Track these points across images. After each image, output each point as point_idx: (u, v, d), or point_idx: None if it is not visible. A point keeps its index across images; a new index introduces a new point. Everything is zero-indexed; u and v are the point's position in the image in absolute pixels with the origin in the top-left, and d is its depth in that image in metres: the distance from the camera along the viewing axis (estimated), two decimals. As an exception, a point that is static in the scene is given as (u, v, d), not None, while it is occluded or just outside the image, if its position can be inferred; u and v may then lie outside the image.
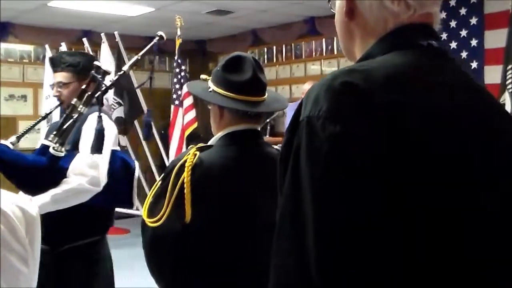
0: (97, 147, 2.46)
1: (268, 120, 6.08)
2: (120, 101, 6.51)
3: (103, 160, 2.64)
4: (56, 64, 2.93)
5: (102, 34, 6.84)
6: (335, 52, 8.28)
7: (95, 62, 2.64)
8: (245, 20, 8.44)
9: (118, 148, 2.90)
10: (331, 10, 1.21)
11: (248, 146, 2.02)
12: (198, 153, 1.91)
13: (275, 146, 2.12)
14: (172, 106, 6.47)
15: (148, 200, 1.95)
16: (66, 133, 2.45)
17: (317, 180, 0.93)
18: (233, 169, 1.94)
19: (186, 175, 1.85)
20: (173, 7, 7.20)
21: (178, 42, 6.51)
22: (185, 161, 1.88)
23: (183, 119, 6.37)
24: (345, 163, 0.91)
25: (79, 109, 2.52)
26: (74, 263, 2.77)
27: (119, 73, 2.68)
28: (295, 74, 9.00)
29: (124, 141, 6.62)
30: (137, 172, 2.93)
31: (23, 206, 1.78)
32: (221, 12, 7.84)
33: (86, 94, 2.53)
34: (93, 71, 2.56)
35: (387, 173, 0.91)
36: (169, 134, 6.45)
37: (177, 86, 6.51)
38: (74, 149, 2.67)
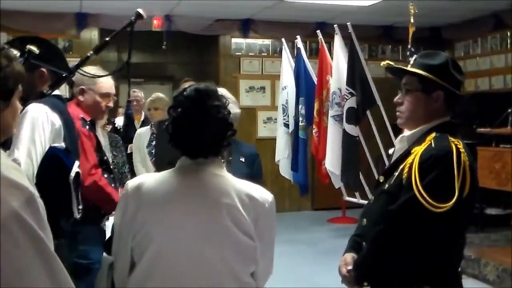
0: None
1: (511, 111, 5.62)
2: (353, 92, 6.54)
3: (21, 158, 2.26)
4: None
5: (335, 26, 6.93)
6: None
7: None
8: (485, 2, 7.88)
9: (57, 144, 2.51)
10: None
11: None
12: (459, 141, 2.12)
13: None
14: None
15: (421, 188, 2.05)
16: None
17: None
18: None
19: (465, 159, 2.07)
20: (407, -5, 7.02)
21: (411, 30, 6.32)
22: (457, 148, 2.07)
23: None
24: None
25: None
26: None
27: (82, 59, 2.51)
28: (543, 59, 8.18)
29: (356, 131, 6.65)
30: (74, 173, 2.46)
31: (254, 196, 1.87)
32: (459, -4, 7.44)
33: None
34: None
35: None
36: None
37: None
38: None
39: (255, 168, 3.05)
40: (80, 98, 3.21)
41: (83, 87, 3.19)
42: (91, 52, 2.57)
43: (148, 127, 5.56)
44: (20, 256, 0.76)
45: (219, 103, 1.87)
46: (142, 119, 6.42)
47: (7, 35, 8.21)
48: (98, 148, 3.17)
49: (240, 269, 1.83)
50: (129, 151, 5.59)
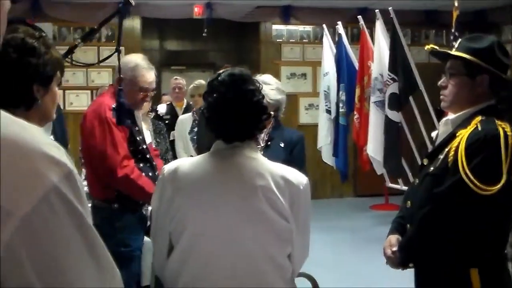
0: None
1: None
2: (395, 77, 6.46)
3: None
4: None
5: (377, 11, 6.85)
6: None
7: None
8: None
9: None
10: None
11: None
12: (507, 124, 2.10)
13: None
14: (449, 81, 6.18)
15: (468, 171, 2.02)
16: None
17: None
18: None
19: None
20: (451, -23, 6.87)
21: (455, 14, 6.20)
22: (505, 131, 2.06)
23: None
24: None
25: None
26: None
27: (70, 47, 2.41)
28: None
29: (398, 117, 6.57)
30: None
31: (289, 178, 1.88)
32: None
33: None
34: None
35: None
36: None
37: (454, 60, 6.19)
38: None
39: (295, 155, 3.00)
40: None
41: (123, 76, 3.08)
42: (79, 40, 2.56)
43: (190, 114, 5.62)
44: (61, 230, 0.78)
45: (253, 87, 1.88)
46: (184, 106, 6.49)
47: (52, 25, 8.40)
48: (132, 137, 3.12)
49: (275, 250, 1.85)
50: (171, 138, 5.67)
